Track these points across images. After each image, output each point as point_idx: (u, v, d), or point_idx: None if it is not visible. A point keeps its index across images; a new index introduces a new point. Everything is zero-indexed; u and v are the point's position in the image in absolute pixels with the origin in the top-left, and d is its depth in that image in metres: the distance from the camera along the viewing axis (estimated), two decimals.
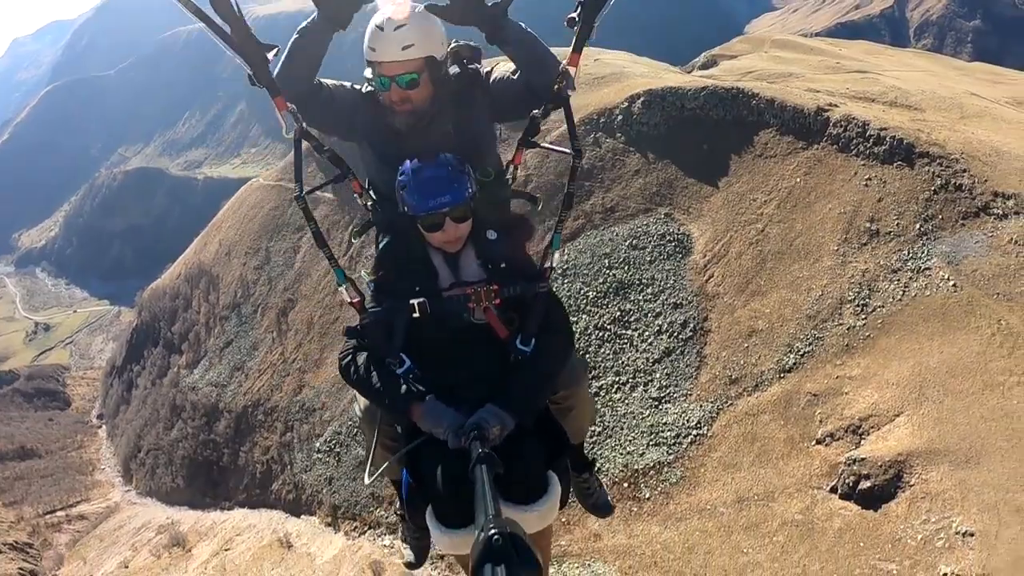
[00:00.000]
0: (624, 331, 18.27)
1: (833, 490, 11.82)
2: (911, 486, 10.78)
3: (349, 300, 4.20)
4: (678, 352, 16.95)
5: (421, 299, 3.75)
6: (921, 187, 15.77)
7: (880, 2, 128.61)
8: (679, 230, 19.55)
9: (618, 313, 18.65)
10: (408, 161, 3.95)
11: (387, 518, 19.21)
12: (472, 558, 2.17)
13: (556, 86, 4.07)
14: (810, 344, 14.65)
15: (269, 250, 31.82)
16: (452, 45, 4.41)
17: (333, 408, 23.77)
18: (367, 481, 4.04)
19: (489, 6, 4.01)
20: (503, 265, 3.96)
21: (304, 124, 4.07)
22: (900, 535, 10.27)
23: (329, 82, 4.33)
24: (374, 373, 3.78)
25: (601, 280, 19.54)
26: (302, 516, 23.28)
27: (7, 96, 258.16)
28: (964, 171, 15.54)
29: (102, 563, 26.17)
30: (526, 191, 4.82)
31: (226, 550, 22.66)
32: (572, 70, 4.03)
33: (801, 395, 13.79)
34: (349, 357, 3.91)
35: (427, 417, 3.59)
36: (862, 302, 14.55)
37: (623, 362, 17.67)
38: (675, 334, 17.30)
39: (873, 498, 11.14)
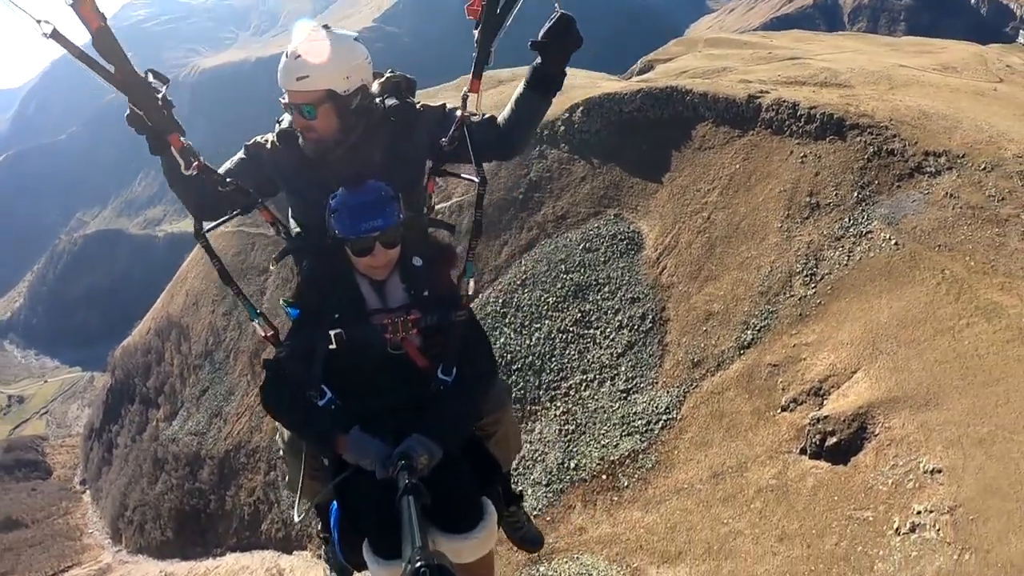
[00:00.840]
0: (586, 331, 18.39)
1: (803, 451, 11.90)
2: (876, 435, 10.87)
3: (263, 335, 4.24)
4: (640, 344, 17.07)
5: (337, 330, 3.68)
6: (855, 157, 16.02)
7: None
8: (629, 228, 19.73)
9: (579, 315, 18.77)
10: (340, 188, 3.87)
11: None
12: None
13: (459, 112, 4.09)
14: (765, 319, 14.80)
15: (235, 296, 31.53)
16: (388, 75, 4.42)
17: None
18: (296, 518, 4.04)
19: (562, 63, 3.94)
20: (426, 292, 3.91)
21: (202, 160, 4.02)
22: (872, 483, 10.33)
23: (220, 172, 4.20)
24: (295, 407, 3.70)
25: (559, 285, 19.69)
26: (294, 552, 23.13)
27: None
28: (894, 136, 15.81)
29: None
30: (442, 220, 4.72)
31: None
32: (473, 96, 4.03)
33: (762, 368, 13.92)
34: (271, 390, 3.81)
35: (353, 448, 3.51)
36: (810, 272, 14.74)
37: (588, 360, 17.78)
38: (635, 327, 17.43)
39: (841, 453, 11.21)
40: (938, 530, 8.96)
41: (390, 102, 4.22)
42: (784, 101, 18.20)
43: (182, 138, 3.90)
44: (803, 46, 30.15)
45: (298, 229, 4.41)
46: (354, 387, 3.76)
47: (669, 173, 19.87)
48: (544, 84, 4.00)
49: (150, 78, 3.78)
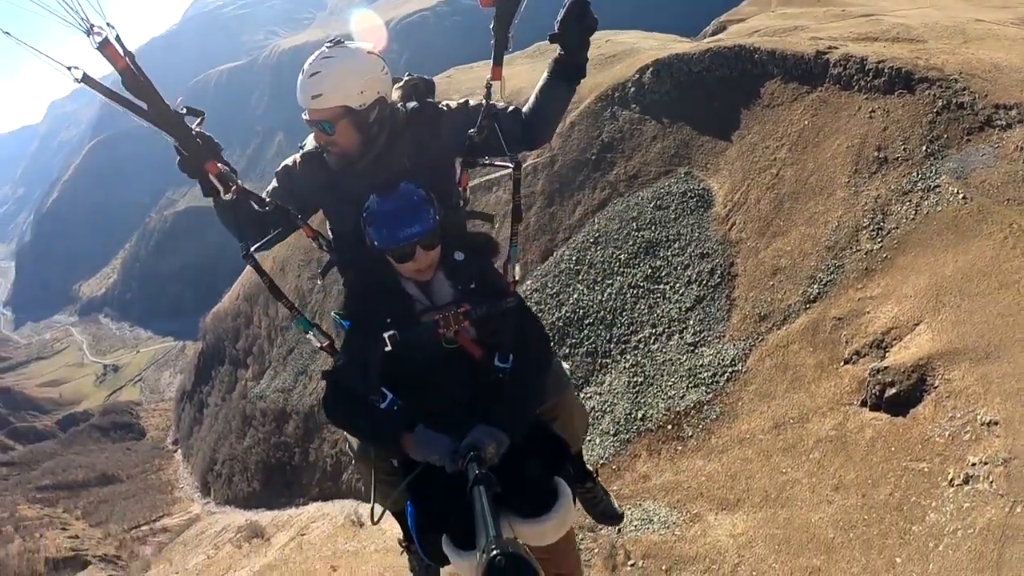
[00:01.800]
0: (656, 286, 18.33)
1: (863, 403, 11.71)
2: (935, 388, 10.64)
3: (319, 345, 4.32)
4: (709, 298, 16.97)
5: (391, 332, 3.67)
6: (924, 111, 15.60)
7: None
8: (699, 186, 19.59)
9: (649, 270, 18.72)
10: (372, 196, 3.85)
11: None
12: None
13: (484, 100, 4.06)
14: (831, 273, 14.56)
15: (320, 260, 31.89)
16: (406, 79, 4.42)
17: None
18: (373, 522, 3.97)
19: (582, 52, 3.94)
20: (473, 285, 3.88)
21: (240, 184, 4.09)
22: (929, 435, 10.14)
23: (260, 204, 4.24)
24: (358, 413, 3.70)
25: (631, 243, 19.65)
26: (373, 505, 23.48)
27: (51, 158, 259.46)
28: (964, 89, 15.35)
29: (187, 563, 26.57)
30: (479, 211, 4.81)
31: (302, 535, 22.93)
32: (496, 84, 4.00)
33: (827, 321, 13.71)
34: (332, 401, 3.82)
35: (419, 446, 3.49)
36: (877, 227, 14.43)
37: (658, 314, 17.73)
38: (704, 282, 17.32)
39: (900, 404, 11.01)
40: (991, 482, 8.77)
41: (411, 105, 4.21)
42: (852, 56, 17.81)
43: (219, 164, 3.95)
44: (879, 2, 29.40)
45: (330, 240, 4.42)
46: (414, 386, 3.76)
47: (738, 131, 19.65)
48: (567, 74, 4.00)
49: (184, 111, 3.89)
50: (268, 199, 4.17)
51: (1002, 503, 8.43)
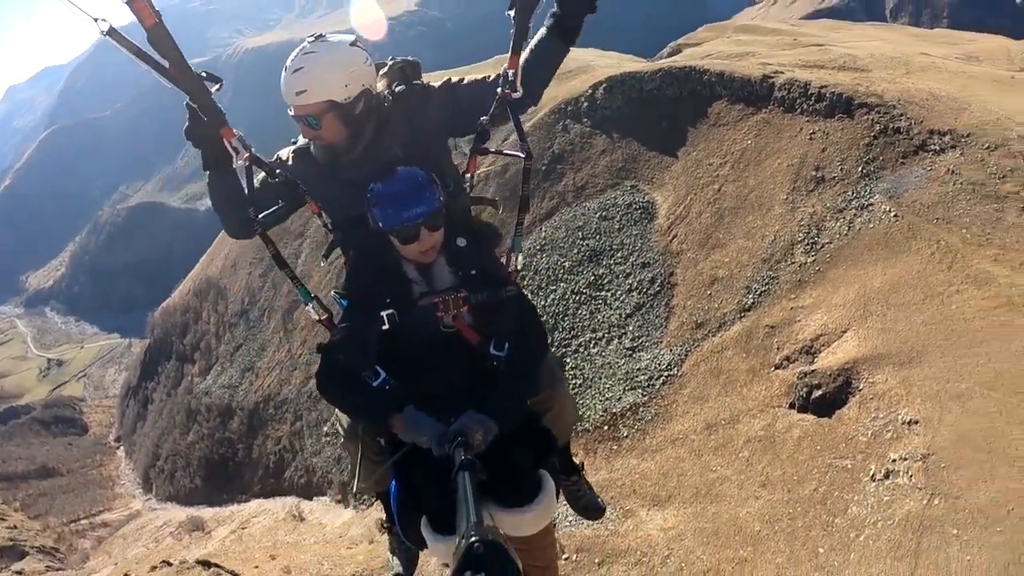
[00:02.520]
0: (598, 293, 18.59)
1: (791, 405, 11.98)
2: (860, 390, 10.93)
3: (317, 318, 4.17)
4: (648, 306, 17.25)
5: (390, 311, 3.62)
6: (862, 134, 16.02)
7: None
8: (644, 199, 19.93)
9: (592, 278, 19.01)
10: (375, 182, 3.77)
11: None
12: (453, 565, 2.10)
13: (499, 90, 3.96)
14: (766, 284, 14.87)
15: (268, 259, 31.88)
16: (390, 63, 4.34)
17: None
18: (355, 498, 3.96)
19: (581, 21, 3.93)
20: (474, 271, 3.80)
21: (253, 152, 3.99)
22: (852, 434, 10.39)
23: (271, 175, 4.14)
24: (350, 388, 3.61)
25: (576, 251, 19.95)
26: (315, 498, 23.45)
27: (5, 143, 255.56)
28: (901, 115, 15.78)
29: (126, 555, 26.25)
30: (486, 197, 4.77)
31: (243, 528, 22.81)
32: (511, 72, 3.91)
33: (760, 329, 13.99)
34: (326, 374, 3.72)
35: (408, 427, 3.41)
36: (811, 241, 14.77)
37: (599, 320, 17.99)
38: (644, 290, 17.61)
39: (826, 406, 11.29)
40: (910, 476, 9.01)
41: (399, 88, 4.15)
42: (796, 81, 18.25)
43: (235, 130, 3.92)
44: (832, 34, 30.03)
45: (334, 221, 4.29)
46: (408, 367, 3.69)
47: (684, 148, 20.03)
48: (564, 32, 3.97)
49: (203, 75, 3.81)
50: (279, 171, 4.09)
51: (920, 496, 8.67)
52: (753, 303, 14.75)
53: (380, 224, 3.69)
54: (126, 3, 3.31)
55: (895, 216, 13.83)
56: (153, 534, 29.04)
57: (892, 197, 14.32)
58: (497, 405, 3.45)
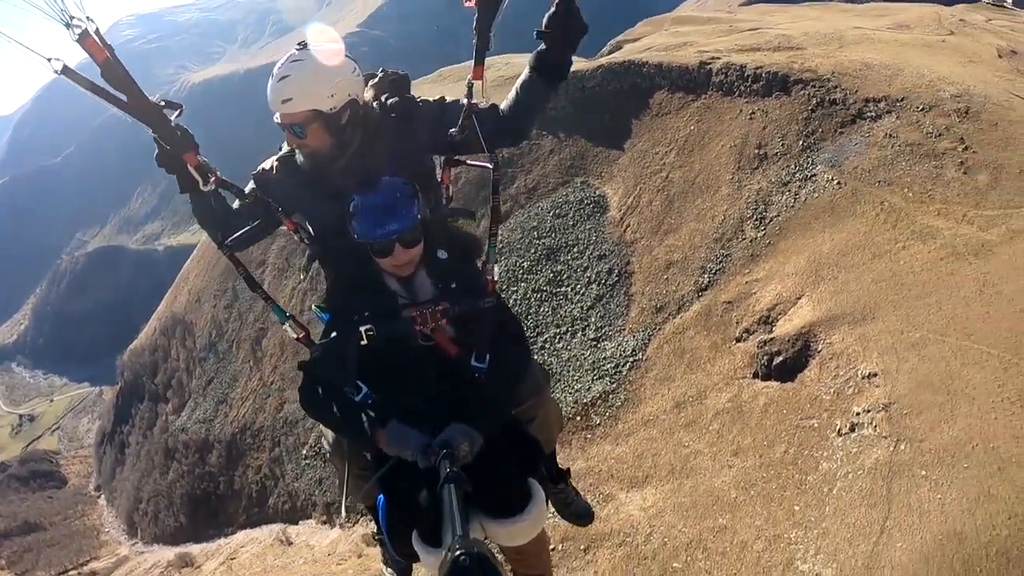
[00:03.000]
0: (558, 289, 18.67)
1: (755, 375, 12.09)
2: (819, 352, 11.07)
3: (295, 336, 4.26)
4: (608, 296, 17.33)
5: (367, 326, 3.59)
6: (799, 109, 16.27)
7: None
8: (595, 193, 20.06)
9: (551, 275, 19.05)
10: (356, 192, 3.75)
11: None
12: None
13: (464, 100, 3.94)
14: (720, 262, 15.02)
15: (236, 288, 31.82)
16: (380, 74, 4.29)
17: None
18: (343, 514, 4.00)
19: (567, 52, 3.82)
20: (454, 283, 3.80)
21: (219, 175, 4.02)
22: (816, 394, 10.52)
23: (235, 206, 4.21)
24: (333, 405, 3.58)
25: (533, 250, 19.99)
26: (300, 522, 23.29)
27: None
28: (836, 87, 16.08)
29: None
30: (462, 207, 4.67)
31: (232, 559, 22.60)
32: (477, 83, 3.88)
33: (718, 306, 14.13)
34: (307, 391, 3.69)
35: (392, 441, 3.39)
36: (760, 216, 14.95)
37: (561, 315, 18.04)
38: (603, 281, 17.69)
39: (788, 371, 11.43)
40: (875, 426, 9.14)
41: (390, 100, 4.10)
42: (732, 64, 18.51)
43: (198, 156, 3.89)
44: (767, 18, 30.35)
45: (312, 233, 4.32)
46: (390, 381, 3.68)
47: (630, 140, 20.18)
48: (549, 71, 3.90)
49: (162, 104, 3.77)
50: (249, 192, 4.13)
51: (886, 443, 8.80)
52: (709, 282, 14.90)
53: (356, 236, 3.68)
54: (76, 41, 3.30)
55: (838, 184, 14.03)
56: None
57: (834, 166, 14.54)
58: (481, 416, 3.44)
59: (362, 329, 3.59)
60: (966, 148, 13.62)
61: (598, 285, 17.78)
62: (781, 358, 11.61)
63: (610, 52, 30.55)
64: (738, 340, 13.12)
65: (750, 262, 14.34)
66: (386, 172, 3.84)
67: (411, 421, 3.45)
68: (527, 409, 4.15)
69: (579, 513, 5.07)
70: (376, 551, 18.02)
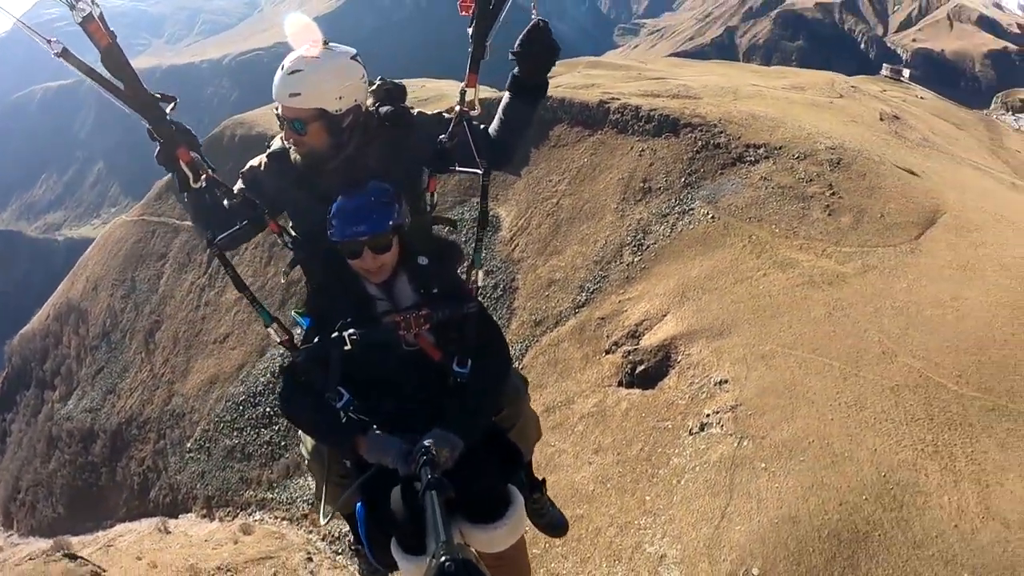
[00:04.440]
0: None
1: (620, 383, 12.48)
2: (678, 362, 11.51)
3: (278, 340, 3.83)
4: (491, 309, 17.52)
5: (351, 331, 3.37)
6: (685, 150, 16.93)
7: (712, 32, 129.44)
8: (489, 214, 20.28)
9: None
10: (340, 194, 3.55)
11: (256, 497, 19.16)
12: None
13: (458, 107, 3.76)
14: (598, 283, 15.47)
15: (135, 279, 31.05)
16: (379, 83, 4.06)
17: (201, 409, 23.49)
18: (322, 522, 3.79)
19: (542, 72, 3.70)
20: (435, 289, 3.56)
21: (211, 172, 3.78)
22: (673, 399, 10.91)
23: (228, 196, 3.89)
24: (314, 411, 3.43)
25: None
26: (180, 516, 22.75)
27: None
28: (721, 133, 16.83)
29: None
30: (444, 216, 4.39)
31: (109, 546, 21.93)
32: (470, 91, 3.71)
33: (592, 321, 14.51)
34: (288, 397, 3.55)
35: (373, 448, 3.25)
36: (638, 243, 15.49)
37: None
38: (488, 295, 17.96)
39: (650, 379, 11.87)
40: (722, 426, 9.55)
41: (384, 109, 3.91)
42: (629, 105, 19.11)
43: (192, 152, 3.69)
44: (675, 70, 31.23)
45: (294, 236, 4.04)
46: (372, 387, 3.50)
47: (527, 167, 20.55)
48: (526, 92, 3.77)
49: (158, 96, 3.60)
50: (236, 191, 3.86)
51: (731, 440, 9.23)
52: (586, 300, 15.31)
53: (329, 234, 3.50)
54: (79, 24, 3.18)
55: (712, 218, 14.62)
56: (15, 566, 27.58)
57: (711, 202, 15.14)
58: (462, 422, 3.29)
59: (345, 335, 3.38)
60: (833, 193, 14.35)
61: (483, 299, 17.99)
62: (644, 367, 12.06)
63: None
64: (607, 352, 13.48)
65: (625, 283, 14.80)
66: (373, 177, 3.67)
67: (391, 428, 3.34)
68: (507, 416, 3.98)
69: (553, 524, 4.68)
70: (251, 538, 17.89)
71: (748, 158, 16.01)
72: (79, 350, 32.72)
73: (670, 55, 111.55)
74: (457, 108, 3.77)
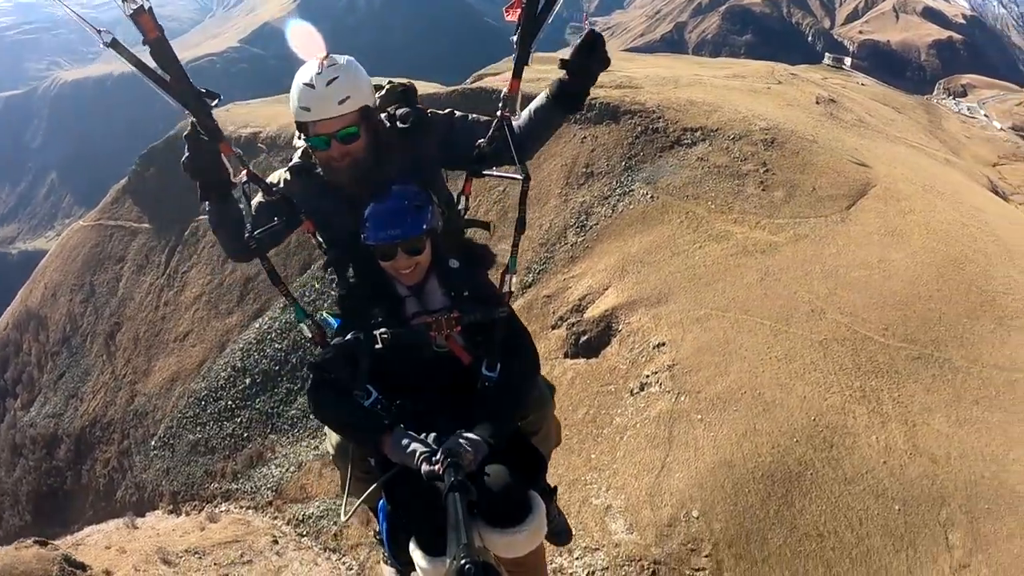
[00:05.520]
0: None
1: (566, 355, 12.86)
2: (619, 331, 11.94)
3: (309, 335, 3.79)
4: None
5: (383, 330, 3.31)
6: (625, 136, 17.35)
7: (661, 29, 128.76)
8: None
9: None
10: (372, 199, 3.42)
11: (221, 488, 19.30)
12: None
13: (499, 112, 3.65)
14: (544, 263, 15.86)
15: (93, 283, 30.84)
16: (388, 85, 4.00)
17: (163, 407, 23.53)
18: (343, 519, 3.62)
19: (588, 83, 3.57)
20: (466, 293, 3.46)
21: (251, 168, 3.64)
22: (615, 365, 11.31)
23: (253, 209, 3.79)
24: (342, 407, 3.33)
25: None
26: (147, 514, 22.70)
27: None
28: (660, 118, 17.32)
29: None
30: (478, 219, 4.25)
31: (78, 545, 21.87)
32: (512, 96, 3.63)
33: (539, 300, 14.88)
34: (317, 392, 3.42)
35: (397, 448, 3.12)
36: (581, 224, 15.90)
37: None
38: None
39: (593, 348, 12.29)
40: (660, 384, 9.98)
41: (401, 111, 3.75)
42: None
43: (234, 147, 3.54)
44: (623, 63, 31.47)
45: (327, 240, 3.83)
46: (400, 387, 3.46)
47: None
48: (566, 100, 3.65)
49: (202, 91, 3.45)
50: (276, 188, 3.71)
51: (669, 397, 9.68)
52: (533, 280, 15.68)
53: (364, 237, 3.39)
54: (130, 16, 3.16)
55: (651, 198, 15.06)
56: None
57: (650, 183, 15.58)
58: (487, 425, 3.16)
59: (378, 333, 3.31)
60: (767, 170, 14.87)
61: None
62: (587, 337, 12.47)
63: (472, 82, 31.30)
64: (554, 327, 13.86)
65: (569, 263, 15.17)
66: (397, 181, 3.54)
67: (417, 428, 3.23)
68: (531, 422, 3.90)
69: (558, 531, 4.48)
70: (218, 526, 17.99)
71: (685, 141, 16.50)
72: (40, 357, 32.41)
73: (621, 52, 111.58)
74: (499, 112, 3.66)
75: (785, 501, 8.57)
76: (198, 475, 20.59)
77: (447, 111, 3.86)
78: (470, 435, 3.03)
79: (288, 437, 19.25)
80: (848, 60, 60.88)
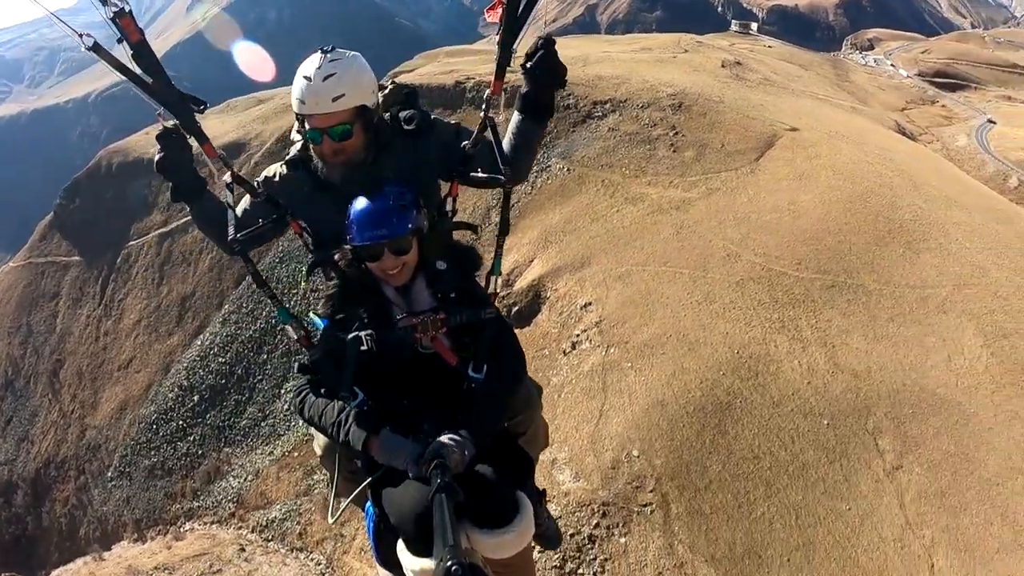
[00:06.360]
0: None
1: None
2: (548, 298, 12.37)
3: (295, 337, 3.81)
4: None
5: (368, 332, 3.24)
6: None
7: (573, 12, 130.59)
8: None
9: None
10: (358, 198, 3.39)
11: (183, 508, 19.35)
12: None
13: (483, 114, 3.61)
14: (470, 245, 16.14)
15: (30, 323, 30.33)
16: (390, 86, 3.96)
17: (116, 437, 23.36)
18: (331, 520, 3.65)
19: (548, 91, 3.57)
20: (453, 294, 3.40)
21: (235, 172, 3.67)
22: (547, 330, 11.72)
23: (240, 211, 3.75)
24: (328, 409, 3.29)
25: (310, 257, 20.57)
26: (113, 547, 22.57)
27: None
28: (570, 95, 17.86)
29: None
30: (465, 221, 4.21)
31: None
32: (495, 98, 3.59)
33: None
34: (303, 394, 3.40)
35: (384, 449, 3.10)
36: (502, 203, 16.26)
37: None
38: None
39: (525, 317, 12.68)
40: (590, 340, 10.43)
41: (405, 113, 3.72)
42: (483, 82, 19.96)
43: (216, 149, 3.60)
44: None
45: (315, 239, 3.81)
46: (386, 388, 3.37)
47: None
48: (533, 111, 3.63)
49: (186, 95, 3.51)
50: (261, 190, 3.70)
51: (600, 351, 10.15)
52: None
53: (349, 239, 3.37)
54: (112, 20, 3.15)
55: (568, 170, 15.51)
56: None
57: (565, 157, 16.03)
58: (474, 427, 3.14)
59: (363, 335, 3.24)
60: (676, 133, 15.41)
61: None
62: (518, 308, 12.84)
63: (389, 81, 31.61)
64: None
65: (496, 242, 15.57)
66: (391, 181, 3.49)
67: (404, 430, 3.17)
68: (519, 423, 3.91)
69: (548, 536, 4.42)
70: (184, 543, 18.02)
71: (596, 114, 17.04)
72: None
73: (537, 38, 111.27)
74: (483, 114, 3.63)
75: (719, 430, 9.08)
76: (159, 499, 20.58)
77: (455, 121, 3.86)
78: (457, 436, 3.02)
79: (242, 447, 19.34)
80: (755, 25, 62.18)
